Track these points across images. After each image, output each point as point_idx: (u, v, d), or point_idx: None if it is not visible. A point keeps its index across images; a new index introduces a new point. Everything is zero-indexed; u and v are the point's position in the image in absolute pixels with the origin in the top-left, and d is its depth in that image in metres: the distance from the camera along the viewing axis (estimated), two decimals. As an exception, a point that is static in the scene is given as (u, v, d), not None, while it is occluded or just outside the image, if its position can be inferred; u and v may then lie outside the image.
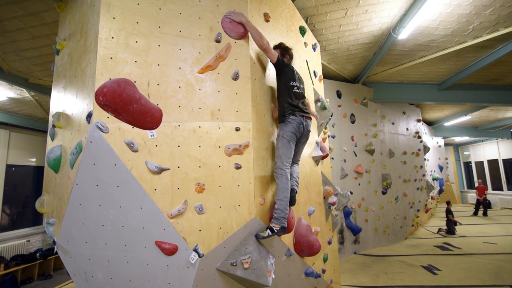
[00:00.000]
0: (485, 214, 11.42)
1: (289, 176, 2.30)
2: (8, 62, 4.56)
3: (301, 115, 2.44)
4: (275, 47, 2.62)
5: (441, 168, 12.44)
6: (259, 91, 2.39)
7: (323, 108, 3.68)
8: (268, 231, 2.16)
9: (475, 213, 11.58)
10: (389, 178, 7.33)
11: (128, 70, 1.96)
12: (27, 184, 7.92)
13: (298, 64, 3.25)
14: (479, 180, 13.22)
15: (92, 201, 1.94)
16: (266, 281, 2.04)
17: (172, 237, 1.93)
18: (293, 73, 2.53)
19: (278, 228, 2.15)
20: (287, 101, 2.44)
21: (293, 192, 2.39)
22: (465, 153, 16.58)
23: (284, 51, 2.64)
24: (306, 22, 4.16)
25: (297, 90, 2.52)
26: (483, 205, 11.57)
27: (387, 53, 5.33)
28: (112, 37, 1.97)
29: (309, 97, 3.51)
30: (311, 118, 2.60)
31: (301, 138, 2.48)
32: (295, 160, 2.58)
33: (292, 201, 2.36)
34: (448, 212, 8.63)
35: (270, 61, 2.50)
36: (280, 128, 2.44)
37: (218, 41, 2.19)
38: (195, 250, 1.95)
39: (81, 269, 2.14)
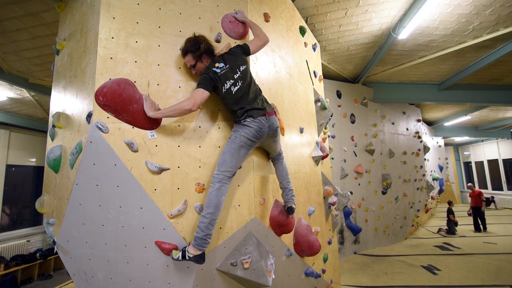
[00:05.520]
0: (481, 228, 8.68)
1: (224, 191, 1.85)
2: (8, 62, 4.56)
3: (261, 114, 1.93)
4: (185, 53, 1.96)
5: (441, 168, 12.44)
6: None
7: (323, 108, 3.68)
8: (180, 254, 1.80)
9: (478, 228, 8.69)
10: (389, 178, 7.33)
11: (128, 70, 1.96)
12: (27, 184, 7.92)
13: (298, 64, 3.25)
14: (470, 184, 10.00)
15: (92, 201, 1.94)
16: (266, 281, 2.04)
17: (172, 237, 1.93)
18: (218, 78, 1.88)
19: (191, 256, 1.77)
20: (237, 107, 1.91)
21: (291, 211, 2.32)
22: (465, 153, 16.59)
23: (195, 51, 1.92)
24: (306, 22, 4.16)
25: (238, 91, 1.90)
26: (479, 217, 8.69)
27: (387, 53, 5.33)
28: (112, 37, 1.97)
29: (309, 98, 3.51)
30: (274, 112, 2.05)
31: (267, 139, 2.03)
32: (273, 156, 2.25)
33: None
34: (450, 212, 8.63)
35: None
36: (233, 129, 1.97)
37: (218, 41, 2.19)
38: (195, 250, 1.94)
39: (81, 269, 2.14)
